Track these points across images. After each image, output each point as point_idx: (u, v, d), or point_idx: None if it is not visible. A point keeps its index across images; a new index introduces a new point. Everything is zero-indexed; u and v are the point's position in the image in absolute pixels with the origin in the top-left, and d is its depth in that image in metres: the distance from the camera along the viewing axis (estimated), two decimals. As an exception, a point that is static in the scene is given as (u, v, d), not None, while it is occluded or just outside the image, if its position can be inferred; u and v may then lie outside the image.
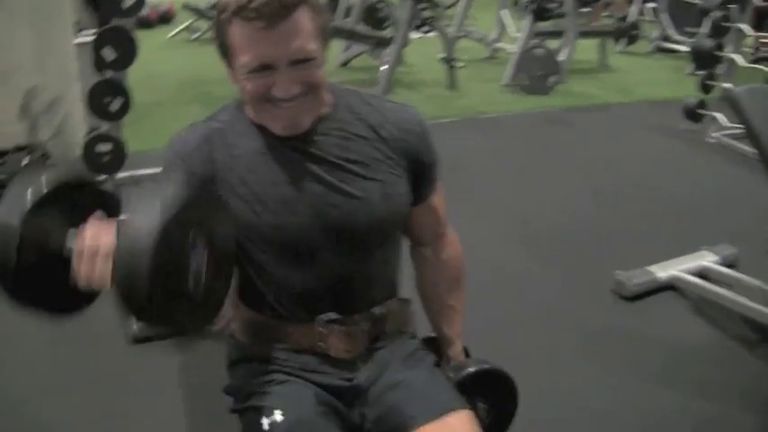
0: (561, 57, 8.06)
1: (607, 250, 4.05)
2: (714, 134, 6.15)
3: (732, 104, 3.12)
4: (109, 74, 3.62)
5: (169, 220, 1.23)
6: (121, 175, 4.02)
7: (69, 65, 5.29)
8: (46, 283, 1.36)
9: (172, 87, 7.04)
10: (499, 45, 9.14)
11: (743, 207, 4.65)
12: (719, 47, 6.16)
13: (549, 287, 3.67)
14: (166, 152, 1.62)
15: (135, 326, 3.01)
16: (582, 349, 3.15)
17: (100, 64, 3.57)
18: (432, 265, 1.84)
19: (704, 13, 6.46)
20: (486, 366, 1.81)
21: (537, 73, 7.63)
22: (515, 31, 8.81)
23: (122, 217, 1.29)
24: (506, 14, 9.21)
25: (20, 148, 4.65)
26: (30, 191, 1.31)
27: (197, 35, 9.74)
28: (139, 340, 3.02)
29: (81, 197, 1.41)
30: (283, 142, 1.56)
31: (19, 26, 4.83)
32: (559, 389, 2.86)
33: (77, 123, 5.15)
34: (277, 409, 1.56)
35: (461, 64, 7.66)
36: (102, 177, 3.76)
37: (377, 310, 1.67)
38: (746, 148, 5.73)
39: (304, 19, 1.42)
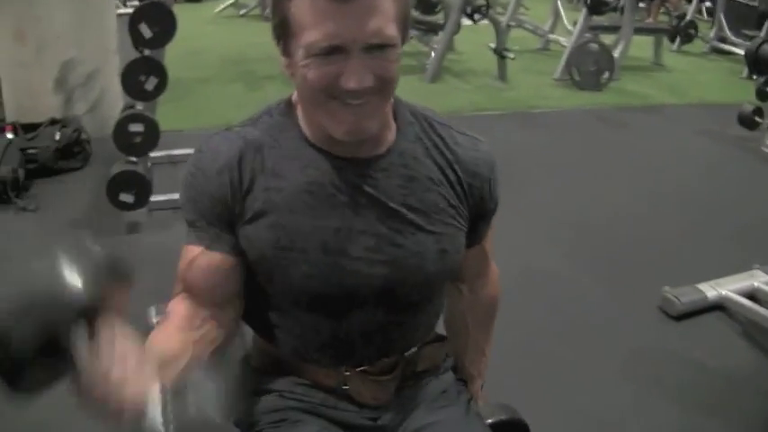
0: (615, 53, 7.86)
1: (655, 262, 3.90)
2: (770, 144, 5.95)
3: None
4: (146, 51, 3.55)
5: None
6: (157, 153, 3.96)
7: (108, 38, 5.21)
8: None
9: (215, 64, 6.94)
10: (552, 37, 8.93)
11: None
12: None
13: (592, 298, 3.54)
14: (186, 177, 1.35)
15: (155, 318, 2.91)
16: (623, 368, 3.04)
17: (137, 40, 3.50)
18: (466, 302, 1.63)
19: (763, 16, 6.23)
20: (507, 417, 1.64)
21: (590, 68, 7.47)
22: (569, 24, 8.62)
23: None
24: (561, 6, 9.01)
25: (54, 121, 4.60)
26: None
27: (244, 11, 9.65)
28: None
29: None
30: (339, 172, 1.31)
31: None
32: (597, 408, 2.76)
33: (114, 99, 5.07)
34: None
35: (512, 55, 7.47)
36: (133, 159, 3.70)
37: (411, 353, 1.49)
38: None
39: None
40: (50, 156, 4.37)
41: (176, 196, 3.82)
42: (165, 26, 3.48)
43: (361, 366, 1.43)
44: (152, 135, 3.64)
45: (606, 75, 7.52)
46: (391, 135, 1.35)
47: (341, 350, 1.41)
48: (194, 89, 5.78)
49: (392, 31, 1.19)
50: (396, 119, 1.37)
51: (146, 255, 3.43)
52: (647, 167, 5.45)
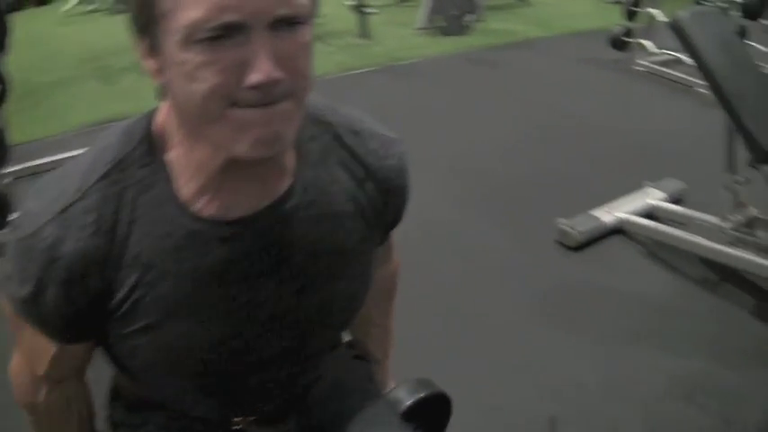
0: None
1: (548, 195, 3.78)
2: (642, 62, 5.94)
3: (677, 31, 2.85)
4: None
5: None
6: (16, 167, 3.61)
7: None
8: None
9: (71, 65, 6.47)
10: (412, -14, 8.77)
11: (681, 136, 4.44)
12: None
13: (491, 242, 3.39)
14: (21, 286, 0.97)
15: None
16: (532, 310, 2.89)
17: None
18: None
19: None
20: (423, 394, 1.42)
21: (452, 13, 7.33)
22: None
23: None
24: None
25: None
26: None
27: (92, 7, 9.19)
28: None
29: None
30: (230, 247, 1.00)
31: None
32: (516, 356, 2.62)
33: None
34: None
35: (373, 10, 7.27)
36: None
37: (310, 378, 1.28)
38: (676, 73, 5.57)
39: None
40: None
41: None
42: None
43: (253, 416, 1.22)
44: (1, 147, 3.26)
45: (470, 17, 7.40)
46: (291, 159, 1.04)
47: (233, 406, 1.19)
48: (51, 93, 5.35)
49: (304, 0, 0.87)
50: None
51: None
52: (525, 103, 5.33)
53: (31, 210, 0.96)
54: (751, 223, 2.96)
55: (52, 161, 4.01)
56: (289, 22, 0.84)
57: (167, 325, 1.00)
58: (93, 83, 5.89)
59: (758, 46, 5.49)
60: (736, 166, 2.93)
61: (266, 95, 0.85)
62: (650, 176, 3.71)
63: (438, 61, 6.47)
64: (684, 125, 4.60)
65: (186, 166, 0.97)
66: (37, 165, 4.01)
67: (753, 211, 2.98)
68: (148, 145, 0.97)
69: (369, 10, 7.18)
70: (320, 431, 1.28)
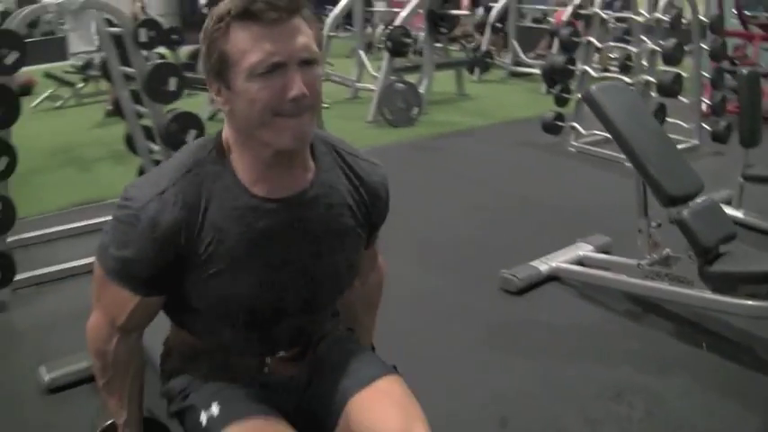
0: (421, 89, 8.34)
1: (492, 255, 4.22)
2: (574, 143, 6.54)
3: (588, 101, 3.42)
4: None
5: None
6: (11, 238, 3.97)
7: None
8: None
9: (44, 155, 6.81)
10: (360, 85, 9.32)
11: (608, 202, 4.96)
12: (571, 61, 6.58)
13: (444, 294, 3.84)
14: (120, 239, 1.47)
15: (47, 375, 2.99)
16: (484, 338, 3.35)
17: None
18: (357, 293, 1.88)
19: (552, 34, 6.88)
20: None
21: (399, 106, 7.91)
22: (374, 71, 9.01)
23: None
24: (363, 55, 9.45)
25: None
26: None
27: (60, 103, 9.57)
28: (53, 390, 2.96)
29: None
30: (273, 216, 1.50)
31: None
32: (471, 371, 3.08)
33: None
34: (214, 401, 1.60)
35: (325, 105, 7.81)
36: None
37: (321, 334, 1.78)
38: (605, 151, 6.15)
39: (304, 24, 1.40)
40: None
41: (37, 273, 3.83)
42: (9, 108, 3.60)
43: (278, 354, 1.70)
44: (9, 214, 3.70)
45: (416, 110, 7.98)
46: (311, 165, 1.56)
47: (265, 347, 1.68)
48: (28, 180, 5.59)
49: (315, 48, 1.42)
50: (313, 151, 1.57)
51: (19, 328, 3.59)
52: (467, 180, 5.90)
53: (136, 195, 1.46)
54: (665, 260, 3.46)
55: (39, 235, 4.53)
56: (309, 63, 1.40)
57: (229, 271, 1.49)
58: (67, 170, 6.31)
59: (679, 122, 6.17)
60: (647, 211, 3.45)
61: (298, 107, 1.39)
62: (581, 235, 4.22)
63: (388, 149, 6.91)
64: (612, 193, 5.11)
65: (242, 163, 1.49)
66: (25, 238, 4.44)
67: (666, 251, 3.48)
68: (217, 151, 1.51)
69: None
70: (326, 367, 1.73)
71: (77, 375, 2.96)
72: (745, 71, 4.45)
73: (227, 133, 1.51)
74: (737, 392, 2.90)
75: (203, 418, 1.59)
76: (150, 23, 4.38)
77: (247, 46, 1.36)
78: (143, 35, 4.19)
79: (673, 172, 3.27)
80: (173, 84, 4.05)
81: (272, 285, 1.54)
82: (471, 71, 10.63)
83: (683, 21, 6.63)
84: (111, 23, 4.71)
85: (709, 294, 3.17)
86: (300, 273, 1.57)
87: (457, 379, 2.99)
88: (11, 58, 3.63)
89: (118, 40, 4.43)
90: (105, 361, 1.62)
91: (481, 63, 10.77)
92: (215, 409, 1.59)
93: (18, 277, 3.85)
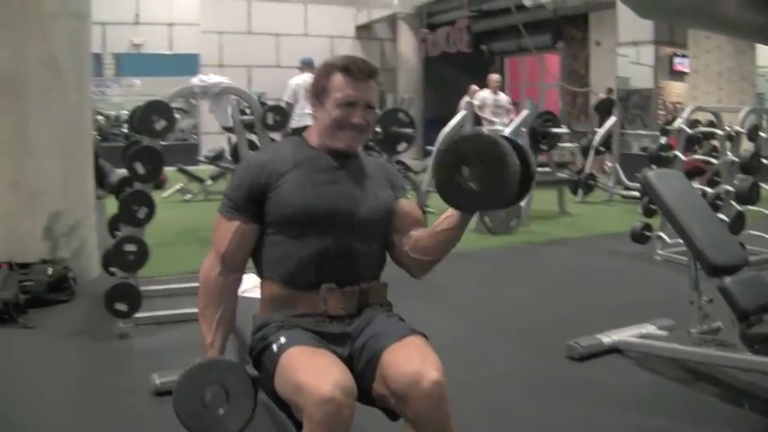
0: (522, 203, 8.77)
1: (568, 334, 4.49)
2: (660, 251, 6.87)
3: (644, 184, 3.88)
4: (137, 186, 4.33)
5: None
6: (141, 315, 4.60)
7: (89, 193, 5.86)
8: None
9: (172, 234, 7.76)
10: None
11: (684, 299, 5.24)
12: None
13: (516, 357, 4.32)
14: (234, 176, 2.40)
15: (158, 380, 3.55)
16: (540, 396, 3.75)
17: (132, 176, 4.31)
18: (409, 242, 2.41)
19: (652, 159, 7.34)
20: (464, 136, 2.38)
21: (500, 216, 8.36)
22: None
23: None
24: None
25: (44, 261, 5.22)
26: None
27: (189, 196, 10.41)
28: (162, 393, 3.48)
29: None
30: (327, 158, 2.36)
31: (48, 156, 5.42)
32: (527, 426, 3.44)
33: (92, 249, 5.76)
34: (282, 335, 2.20)
35: (432, 209, 8.34)
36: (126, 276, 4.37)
37: (364, 284, 2.34)
38: (686, 258, 6.43)
39: (373, 84, 2.33)
40: (43, 288, 4.94)
41: (156, 314, 4.74)
42: (154, 165, 4.37)
43: (331, 283, 2.29)
44: (143, 253, 4.37)
45: (515, 221, 8.48)
46: (355, 158, 2.45)
47: (320, 271, 2.28)
48: (158, 251, 6.27)
49: (375, 100, 2.36)
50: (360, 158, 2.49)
51: (137, 350, 4.31)
52: (553, 277, 6.38)
53: (248, 156, 2.63)
54: (714, 330, 3.79)
55: (162, 289, 5.31)
56: (369, 107, 2.36)
57: (300, 199, 2.27)
58: (195, 246, 7.12)
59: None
60: (698, 285, 3.81)
61: (356, 128, 2.34)
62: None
63: (487, 252, 7.50)
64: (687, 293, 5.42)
65: (316, 141, 2.41)
66: (151, 290, 5.14)
67: (717, 323, 3.81)
68: (299, 137, 2.49)
69: (429, 209, 8.28)
70: (369, 328, 2.29)
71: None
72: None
73: (310, 131, 2.44)
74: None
75: (275, 346, 2.18)
76: (276, 109, 5.07)
77: (340, 87, 2.30)
78: (270, 118, 4.88)
79: (718, 245, 3.65)
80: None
81: (321, 196, 2.28)
82: (575, 192, 11.06)
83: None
84: (242, 112, 5.45)
85: (749, 356, 3.46)
86: (341, 194, 2.32)
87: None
88: (160, 124, 4.35)
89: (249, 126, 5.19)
90: (206, 288, 2.31)
91: (584, 185, 11.17)
92: (283, 339, 2.19)
93: (140, 315, 4.51)
